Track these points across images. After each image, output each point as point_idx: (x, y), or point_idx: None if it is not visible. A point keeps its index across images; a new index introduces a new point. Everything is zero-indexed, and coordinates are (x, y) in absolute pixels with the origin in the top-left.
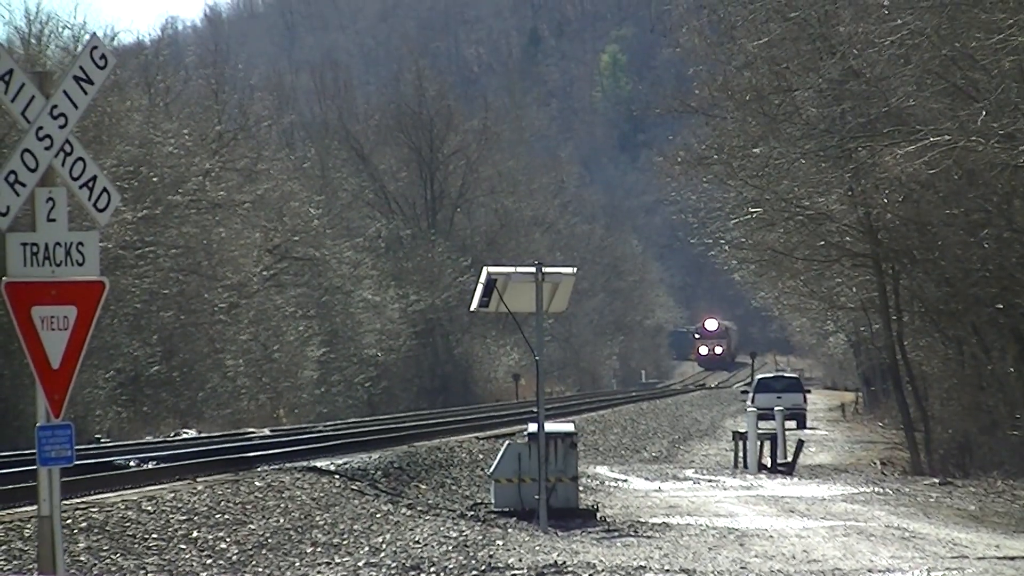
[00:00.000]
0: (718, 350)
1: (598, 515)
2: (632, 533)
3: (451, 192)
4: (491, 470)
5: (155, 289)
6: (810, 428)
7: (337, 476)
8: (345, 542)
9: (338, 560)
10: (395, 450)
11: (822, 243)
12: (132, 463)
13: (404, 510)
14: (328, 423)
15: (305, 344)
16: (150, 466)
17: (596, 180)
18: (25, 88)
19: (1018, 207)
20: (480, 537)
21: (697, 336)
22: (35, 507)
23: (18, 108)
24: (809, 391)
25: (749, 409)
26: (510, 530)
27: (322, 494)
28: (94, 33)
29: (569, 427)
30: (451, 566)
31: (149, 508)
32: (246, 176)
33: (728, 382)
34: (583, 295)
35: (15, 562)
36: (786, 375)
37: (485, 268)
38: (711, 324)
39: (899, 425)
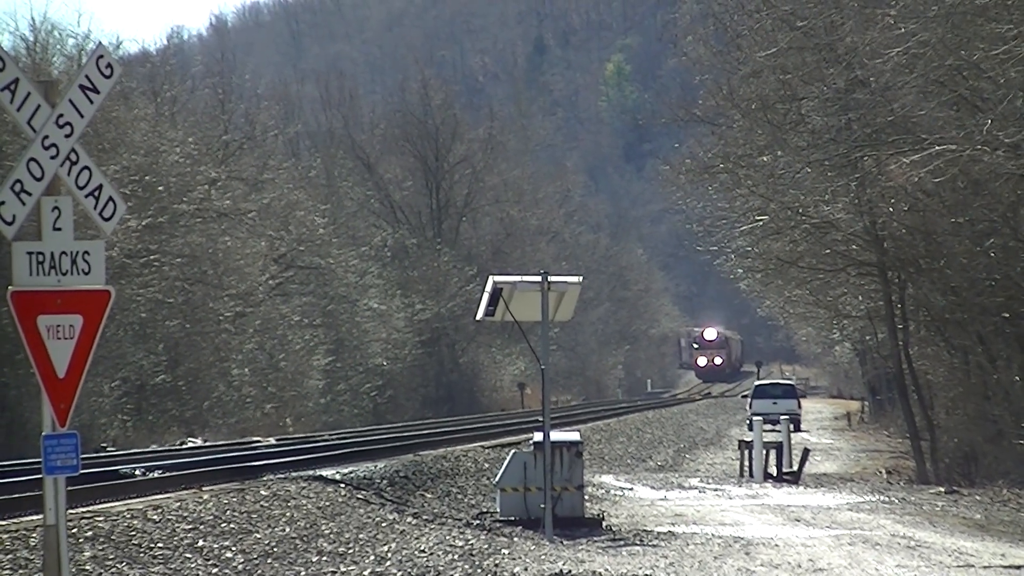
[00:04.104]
0: (718, 361)
1: (604, 524)
2: (638, 542)
3: (457, 201)
4: (497, 479)
5: (161, 298)
6: (805, 432)
7: (343, 485)
8: (351, 551)
9: (344, 569)
10: (401, 459)
11: (828, 252)
12: (138, 472)
13: (410, 519)
14: (334, 432)
15: (311, 353)
16: (156, 475)
17: (601, 189)
18: (31, 97)
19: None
20: (486, 546)
21: (696, 346)
22: (41, 516)
23: (24, 117)
24: (804, 395)
25: (754, 418)
26: (516, 539)
27: (328, 503)
28: (100, 42)
29: (575, 436)
30: (457, 575)
31: (155, 517)
32: (252, 185)
33: (734, 391)
34: (589, 304)
35: (21, 571)
36: (782, 382)
37: (491, 277)
38: (710, 333)
39: (905, 434)
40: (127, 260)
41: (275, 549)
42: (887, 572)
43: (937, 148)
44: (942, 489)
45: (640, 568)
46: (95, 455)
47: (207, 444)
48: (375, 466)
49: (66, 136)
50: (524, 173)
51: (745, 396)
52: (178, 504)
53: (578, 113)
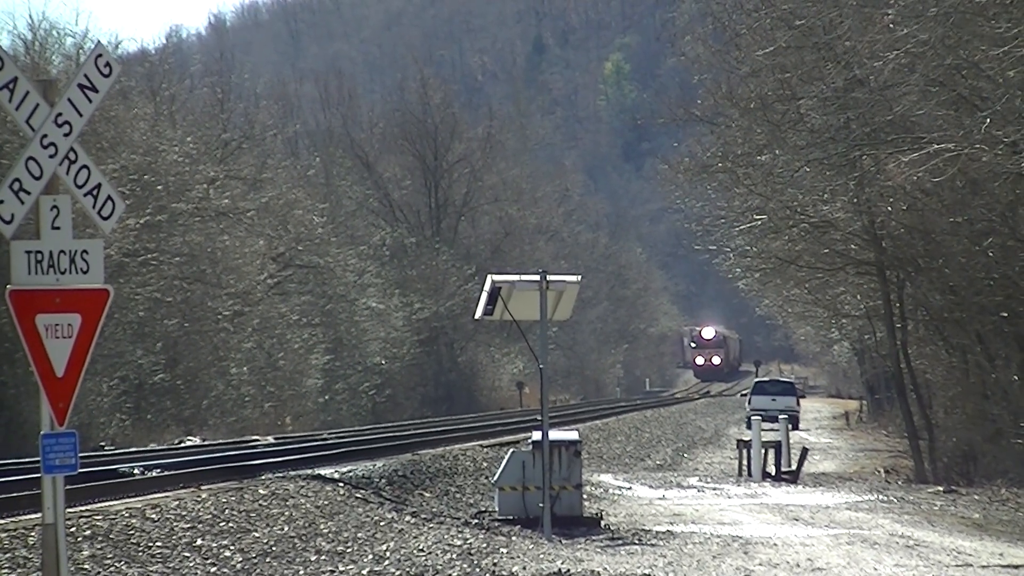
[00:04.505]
0: (716, 360)
1: (602, 523)
2: (636, 541)
3: (455, 200)
4: (495, 478)
5: (159, 297)
6: (803, 431)
7: (341, 484)
8: (349, 550)
9: (342, 568)
10: (399, 458)
11: (826, 251)
12: (136, 471)
13: (408, 518)
14: (332, 431)
15: (309, 352)
16: (154, 474)
17: (600, 188)
18: (30, 96)
19: (1022, 216)
20: (484, 545)
21: (693, 345)
22: (39, 515)
23: (23, 116)
24: (803, 395)
25: (753, 416)
26: (514, 538)
27: (326, 502)
28: (99, 41)
29: (573, 435)
30: (455, 574)
31: (153, 516)
32: (250, 184)
33: (732, 390)
34: (587, 303)
35: (19, 570)
36: (781, 380)
37: (489, 276)
38: (708, 332)
39: (903, 433)
40: (125, 259)
41: (274, 548)
42: (885, 571)
43: (936, 147)
44: (940, 488)
45: (639, 567)
46: (93, 454)
47: (205, 443)
48: (374, 465)
49: (65, 135)
50: (523, 172)
51: (744, 395)
52: (177, 503)
53: (577, 112)
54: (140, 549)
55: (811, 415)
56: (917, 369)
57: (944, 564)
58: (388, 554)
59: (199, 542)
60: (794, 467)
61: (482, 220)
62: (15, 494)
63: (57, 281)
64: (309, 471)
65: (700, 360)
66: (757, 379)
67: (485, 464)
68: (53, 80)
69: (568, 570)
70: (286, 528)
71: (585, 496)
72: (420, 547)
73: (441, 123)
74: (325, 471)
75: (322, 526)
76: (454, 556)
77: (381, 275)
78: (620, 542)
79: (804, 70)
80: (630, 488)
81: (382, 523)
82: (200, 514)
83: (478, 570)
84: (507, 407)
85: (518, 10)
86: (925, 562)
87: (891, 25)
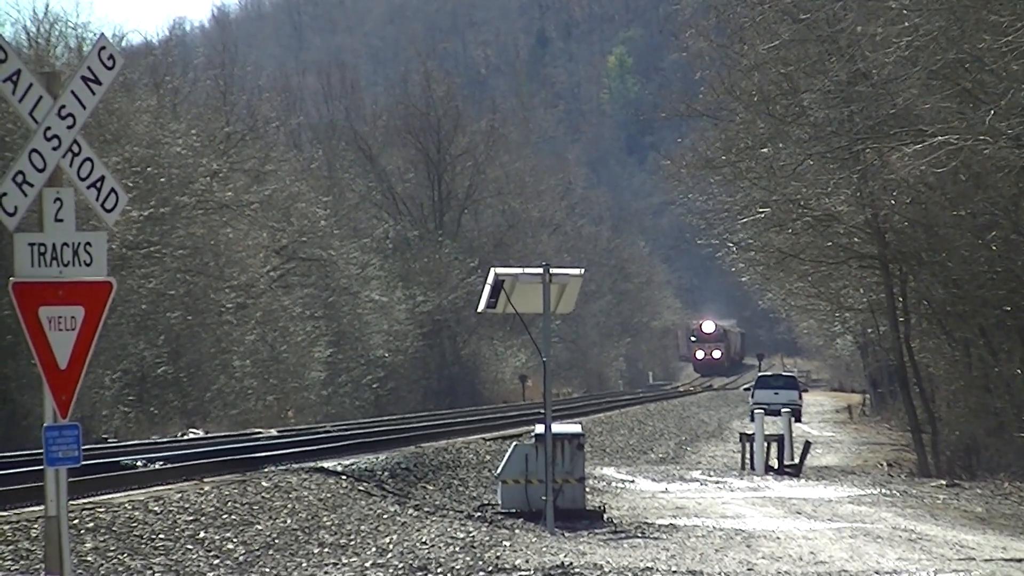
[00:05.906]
0: (716, 354)
1: (605, 516)
2: (639, 534)
3: (458, 193)
4: (498, 471)
5: (162, 289)
6: (806, 424)
7: (344, 477)
8: (352, 543)
9: (345, 561)
10: (402, 451)
11: (829, 244)
12: (139, 463)
13: (411, 511)
14: (335, 424)
15: (312, 345)
16: (157, 466)
17: (603, 182)
18: (33, 89)
19: None
20: (487, 538)
21: (693, 339)
22: (42, 507)
23: (26, 108)
24: (806, 389)
25: (755, 410)
26: (517, 531)
27: (329, 495)
28: (102, 34)
29: (576, 428)
30: (458, 567)
31: (156, 508)
32: (254, 177)
33: (735, 383)
34: (590, 296)
35: (22, 562)
36: (784, 374)
37: (492, 269)
38: (708, 326)
39: (906, 427)
40: (128, 251)
41: (276, 541)
42: (888, 565)
43: (939, 140)
44: (943, 482)
45: (641, 560)
46: (96, 446)
47: (208, 435)
48: (376, 458)
49: (68, 127)
50: (526, 165)
51: (747, 388)
52: (179, 495)
53: (580, 105)
54: (143, 541)
55: (814, 408)
56: (920, 363)
57: (947, 558)
58: (391, 547)
59: (202, 534)
60: (797, 461)
61: (485, 213)
62: (18, 486)
63: (60, 273)
64: (312, 464)
65: (700, 354)
66: (760, 373)
67: (488, 457)
68: (56, 72)
69: (571, 563)
70: (289, 521)
71: (588, 489)
72: (423, 540)
73: (444, 116)
74: (328, 464)
75: (325, 519)
76: (457, 549)
77: (384, 268)
78: (623, 535)
79: (807, 63)
80: (633, 481)
81: (385, 516)
82: (203, 506)
83: (481, 563)
84: (510, 400)
85: (521, 3)
86: (928, 556)
87: (899, 14)
